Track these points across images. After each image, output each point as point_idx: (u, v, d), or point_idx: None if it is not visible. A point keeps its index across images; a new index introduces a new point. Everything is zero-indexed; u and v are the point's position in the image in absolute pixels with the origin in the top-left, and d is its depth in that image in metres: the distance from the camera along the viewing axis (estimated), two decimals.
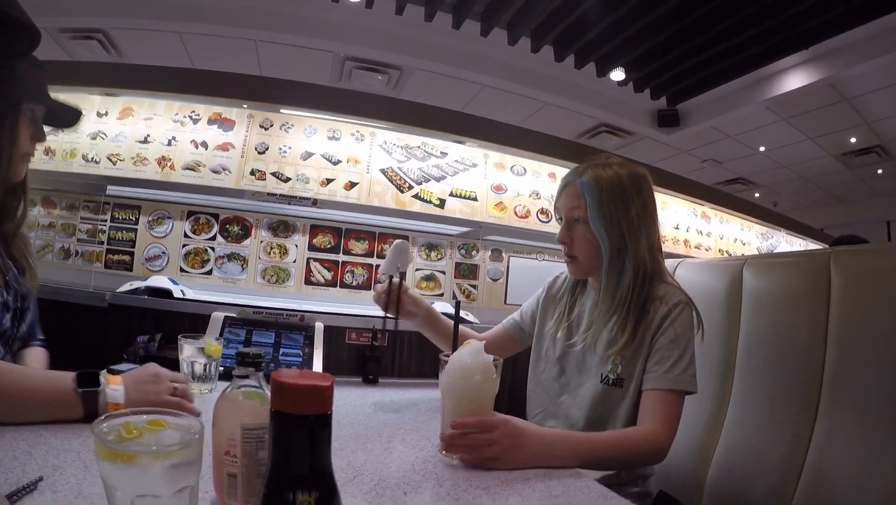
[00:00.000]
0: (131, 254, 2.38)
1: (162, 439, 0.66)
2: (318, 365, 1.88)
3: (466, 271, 2.67)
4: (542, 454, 1.08)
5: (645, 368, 1.29)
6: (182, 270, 2.37)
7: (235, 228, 2.43)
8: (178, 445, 0.63)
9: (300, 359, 1.89)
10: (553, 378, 1.49)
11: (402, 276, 1.56)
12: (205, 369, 1.49)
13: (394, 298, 1.56)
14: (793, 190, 8.71)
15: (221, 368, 1.56)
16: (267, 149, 2.43)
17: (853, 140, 7.02)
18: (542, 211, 2.81)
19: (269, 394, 0.74)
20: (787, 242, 4.46)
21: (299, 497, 0.49)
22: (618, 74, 6.24)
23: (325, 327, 2.02)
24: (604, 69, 6.16)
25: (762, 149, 7.60)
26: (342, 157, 2.50)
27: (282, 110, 2.46)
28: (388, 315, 1.56)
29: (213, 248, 2.41)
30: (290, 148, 2.45)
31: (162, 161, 2.37)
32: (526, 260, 2.79)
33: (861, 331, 1.24)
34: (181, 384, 1.16)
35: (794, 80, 5.76)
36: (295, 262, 2.44)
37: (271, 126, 2.47)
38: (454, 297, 1.49)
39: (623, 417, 1.31)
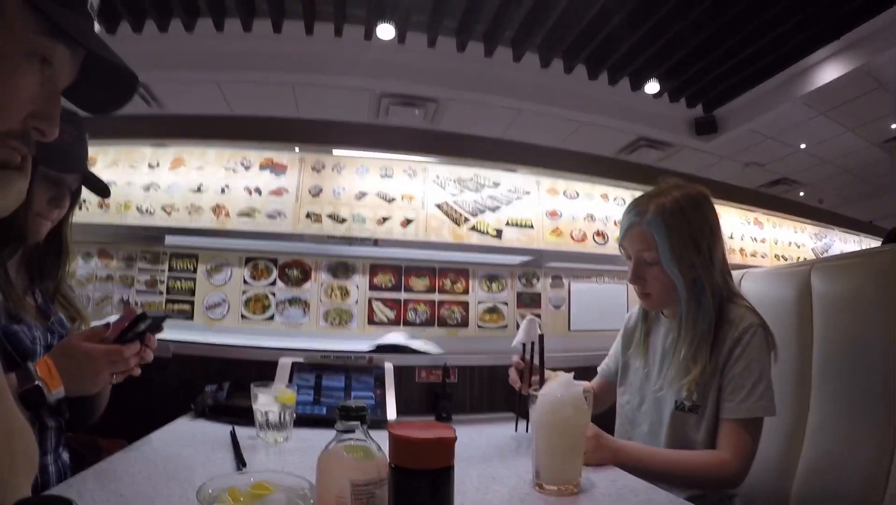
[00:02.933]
0: (191, 303, 2.39)
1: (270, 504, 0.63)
2: (391, 406, 1.84)
3: (528, 300, 2.62)
4: (611, 457, 1.25)
5: (719, 396, 1.28)
6: (243, 316, 2.37)
7: (295, 273, 2.42)
8: None
9: (373, 401, 1.85)
10: (635, 408, 1.49)
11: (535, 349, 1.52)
12: (279, 418, 1.46)
13: (527, 371, 1.54)
14: (837, 185, 8.44)
15: (295, 416, 1.53)
16: (321, 191, 2.44)
17: (894, 126, 6.84)
18: (599, 233, 2.77)
19: (374, 446, 0.71)
20: (841, 240, 4.33)
21: None
22: (652, 87, 6.17)
23: (395, 367, 1.99)
24: (638, 83, 6.10)
25: (803, 146, 7.41)
26: (396, 195, 2.49)
27: (333, 151, 2.46)
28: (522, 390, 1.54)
29: (273, 294, 2.41)
30: (343, 189, 2.45)
31: (217, 209, 2.39)
32: (586, 284, 2.72)
33: None
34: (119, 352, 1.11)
35: (828, 72, 5.63)
36: (357, 302, 2.42)
37: (323, 168, 2.48)
38: (532, 330, 1.45)
39: (702, 444, 1.30)
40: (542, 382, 1.38)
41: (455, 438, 0.47)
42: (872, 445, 1.26)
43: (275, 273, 2.42)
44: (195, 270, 2.41)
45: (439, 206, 2.51)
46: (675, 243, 1.31)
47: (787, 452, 1.47)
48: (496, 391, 2.23)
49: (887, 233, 3.52)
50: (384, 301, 2.44)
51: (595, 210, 2.80)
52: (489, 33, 5.35)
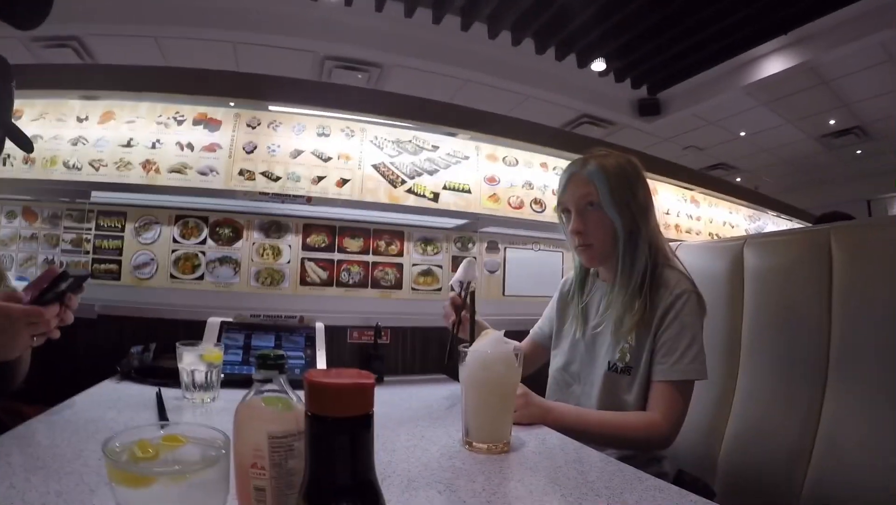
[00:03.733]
0: (119, 262, 2.30)
1: (182, 457, 0.61)
2: (321, 366, 1.83)
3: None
4: (540, 416, 1.27)
5: (652, 358, 1.32)
6: (172, 276, 2.30)
7: (226, 231, 2.36)
8: (202, 463, 0.59)
9: (303, 361, 1.84)
10: (567, 370, 1.52)
11: (471, 291, 1.53)
12: (206, 377, 1.44)
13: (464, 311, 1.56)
14: (775, 174, 8.82)
15: (223, 375, 1.50)
16: (255, 148, 2.37)
17: (832, 122, 7.12)
18: (536, 201, 2.79)
19: (294, 398, 0.70)
20: (774, 224, 4.49)
21: None
22: (598, 65, 6.27)
23: (326, 327, 1.98)
24: (584, 60, 6.19)
25: (742, 134, 7.68)
26: (333, 154, 2.44)
27: (269, 107, 2.39)
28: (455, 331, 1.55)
29: (203, 253, 2.34)
30: (278, 147, 2.39)
31: (147, 165, 2.30)
32: (522, 251, 2.75)
33: (864, 304, 1.26)
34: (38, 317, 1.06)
35: (774, 64, 5.84)
36: (289, 262, 2.38)
37: (259, 125, 2.41)
38: (465, 288, 1.47)
39: (633, 405, 1.33)
40: (472, 333, 1.40)
41: (373, 384, 0.46)
42: (800, 412, 1.33)
43: (205, 231, 2.35)
44: (123, 229, 2.32)
45: (376, 167, 2.48)
46: (615, 187, 1.36)
47: (715, 419, 1.54)
48: (429, 353, 2.24)
49: (815, 219, 3.68)
50: (317, 261, 2.40)
51: (534, 178, 2.82)
52: (438, 0, 5.32)
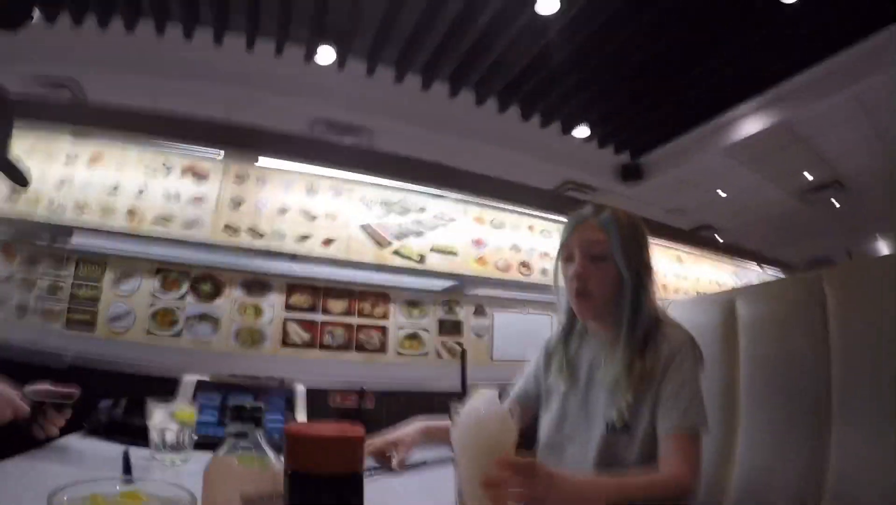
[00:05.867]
0: (94, 313, 2.21)
1: None
2: None
3: (450, 328, 2.59)
4: (572, 498, 1.06)
5: (655, 413, 1.26)
6: (149, 331, 2.22)
7: (207, 287, 2.30)
8: None
9: (282, 424, 1.76)
10: (554, 429, 1.45)
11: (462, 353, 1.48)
12: (177, 438, 1.36)
13: None
14: (758, 233, 8.93)
15: (196, 437, 1.42)
16: (242, 202, 2.35)
17: (810, 178, 7.34)
18: (524, 264, 2.78)
19: (271, 456, 0.64)
20: (759, 279, 4.53)
21: None
22: (582, 131, 6.42)
23: (308, 390, 1.90)
24: (569, 126, 6.35)
25: (724, 195, 7.86)
26: (320, 213, 2.43)
27: (259, 159, 2.37)
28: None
29: (182, 308, 2.27)
30: (266, 203, 2.37)
31: (131, 213, 2.25)
32: (510, 314, 2.72)
33: (862, 344, 1.25)
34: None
35: (751, 125, 6.05)
36: (271, 322, 2.32)
37: (247, 179, 2.39)
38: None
39: (633, 464, 1.27)
40: (464, 389, 1.34)
41: (362, 437, 0.41)
42: (803, 461, 1.30)
43: (186, 286, 2.29)
44: (101, 279, 2.24)
45: (363, 228, 2.46)
46: (627, 239, 1.34)
47: (717, 472, 1.48)
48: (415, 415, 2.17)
49: (806, 264, 3.76)
50: (300, 322, 2.35)
51: (521, 241, 2.83)
52: (427, 66, 5.46)
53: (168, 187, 2.31)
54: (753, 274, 4.45)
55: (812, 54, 4.99)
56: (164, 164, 2.34)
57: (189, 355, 2.17)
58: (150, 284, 2.26)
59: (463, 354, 1.39)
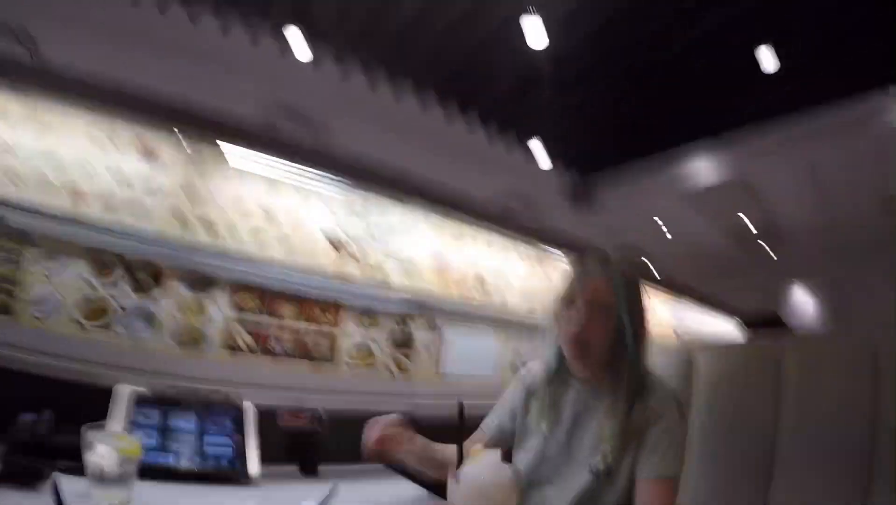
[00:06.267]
0: (10, 292, 1.97)
1: None
2: (252, 456, 1.64)
3: (402, 341, 2.53)
4: None
5: (639, 458, 1.29)
6: (76, 320, 2.01)
7: (145, 277, 2.11)
8: None
9: (231, 449, 1.63)
10: (533, 468, 1.41)
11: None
12: (119, 472, 1.21)
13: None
14: (693, 270, 9.33)
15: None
16: (195, 191, 2.18)
17: (752, 228, 7.75)
18: (479, 279, 2.75)
19: None
20: (693, 316, 4.73)
21: None
22: (535, 145, 6.56)
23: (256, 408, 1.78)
24: (522, 140, 6.48)
25: (665, 229, 8.18)
26: (279, 211, 2.29)
27: (219, 144, 2.19)
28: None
29: (114, 297, 2.07)
30: (221, 194, 2.21)
31: (76, 194, 2.03)
32: (463, 329, 2.68)
33: (812, 412, 1.39)
34: None
35: (702, 166, 6.29)
36: (212, 322, 2.16)
37: (203, 166, 2.22)
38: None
39: None
40: (460, 455, 1.24)
41: None
42: None
43: (121, 273, 2.09)
44: (22, 254, 2.00)
45: (322, 231, 2.35)
46: (633, 295, 1.37)
47: None
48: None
49: (749, 321, 3.97)
50: (245, 325, 2.21)
51: (479, 255, 2.79)
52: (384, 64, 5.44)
53: (112, 162, 2.11)
54: (689, 312, 4.63)
55: (774, 114, 5.25)
56: (109, 138, 2.13)
57: (121, 356, 1.99)
58: (79, 266, 2.04)
59: (460, 406, 1.25)
